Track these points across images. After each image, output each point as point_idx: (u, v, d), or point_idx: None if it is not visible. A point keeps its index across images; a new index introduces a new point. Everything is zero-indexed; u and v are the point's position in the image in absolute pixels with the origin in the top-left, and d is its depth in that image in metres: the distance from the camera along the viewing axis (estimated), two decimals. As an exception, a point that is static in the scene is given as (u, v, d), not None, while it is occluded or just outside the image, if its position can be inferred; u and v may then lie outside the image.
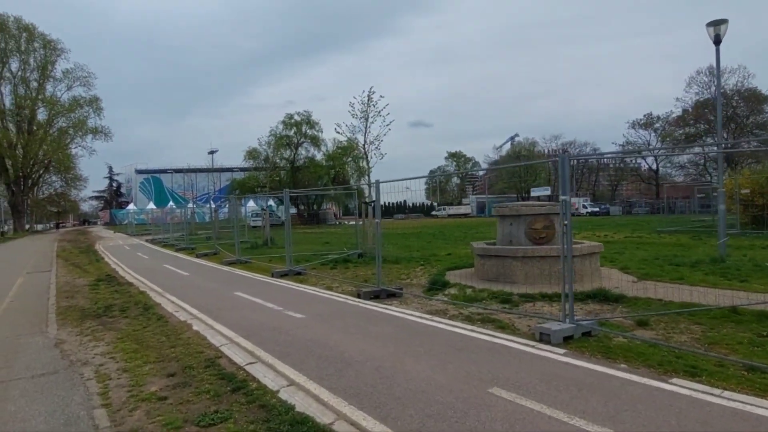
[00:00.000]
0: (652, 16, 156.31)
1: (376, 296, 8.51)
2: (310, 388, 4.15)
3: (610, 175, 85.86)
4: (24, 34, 52.30)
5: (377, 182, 8.74)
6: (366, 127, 13.99)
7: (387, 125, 13.88)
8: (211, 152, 62.01)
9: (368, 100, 13.89)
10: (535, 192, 73.99)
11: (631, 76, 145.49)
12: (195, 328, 6.69)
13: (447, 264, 12.50)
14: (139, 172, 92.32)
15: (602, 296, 7.32)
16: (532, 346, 5.14)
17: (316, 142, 49.69)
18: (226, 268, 14.01)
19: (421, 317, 6.86)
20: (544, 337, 5.24)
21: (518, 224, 9.38)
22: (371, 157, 14.08)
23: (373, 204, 14.80)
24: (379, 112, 13.83)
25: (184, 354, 5.40)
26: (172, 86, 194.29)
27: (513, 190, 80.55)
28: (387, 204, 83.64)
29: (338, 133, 14.55)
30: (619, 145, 72.20)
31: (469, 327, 6.15)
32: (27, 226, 57.20)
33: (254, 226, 51.04)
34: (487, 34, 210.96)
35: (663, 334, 5.55)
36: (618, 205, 70.26)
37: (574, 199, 69.16)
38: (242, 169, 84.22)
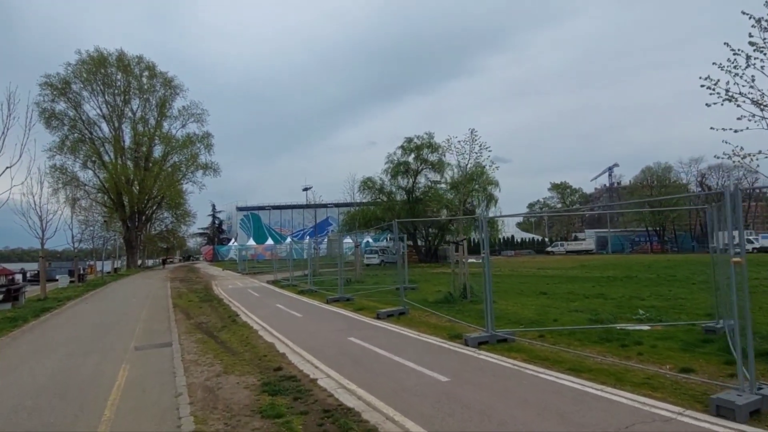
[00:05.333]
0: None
1: None
2: None
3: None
4: (145, 73, 52.92)
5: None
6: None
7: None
8: (306, 189, 58.35)
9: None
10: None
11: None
12: None
13: None
14: (240, 209, 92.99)
15: None
16: None
17: (438, 167, 43.07)
18: (506, 362, 6.97)
19: None
20: None
21: None
22: None
23: None
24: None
25: None
26: (265, 131, 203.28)
27: (644, 224, 68.28)
28: (504, 239, 73.96)
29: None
30: (780, 168, 57.85)
31: None
32: (139, 262, 56.52)
33: (368, 265, 45.49)
34: (564, 67, 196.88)
35: None
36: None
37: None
38: (337, 205, 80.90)
